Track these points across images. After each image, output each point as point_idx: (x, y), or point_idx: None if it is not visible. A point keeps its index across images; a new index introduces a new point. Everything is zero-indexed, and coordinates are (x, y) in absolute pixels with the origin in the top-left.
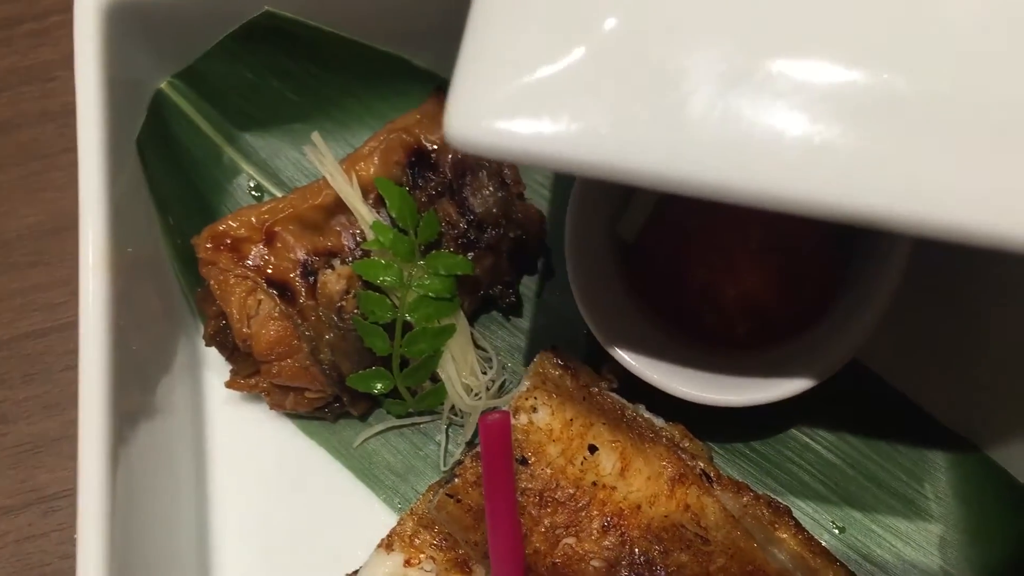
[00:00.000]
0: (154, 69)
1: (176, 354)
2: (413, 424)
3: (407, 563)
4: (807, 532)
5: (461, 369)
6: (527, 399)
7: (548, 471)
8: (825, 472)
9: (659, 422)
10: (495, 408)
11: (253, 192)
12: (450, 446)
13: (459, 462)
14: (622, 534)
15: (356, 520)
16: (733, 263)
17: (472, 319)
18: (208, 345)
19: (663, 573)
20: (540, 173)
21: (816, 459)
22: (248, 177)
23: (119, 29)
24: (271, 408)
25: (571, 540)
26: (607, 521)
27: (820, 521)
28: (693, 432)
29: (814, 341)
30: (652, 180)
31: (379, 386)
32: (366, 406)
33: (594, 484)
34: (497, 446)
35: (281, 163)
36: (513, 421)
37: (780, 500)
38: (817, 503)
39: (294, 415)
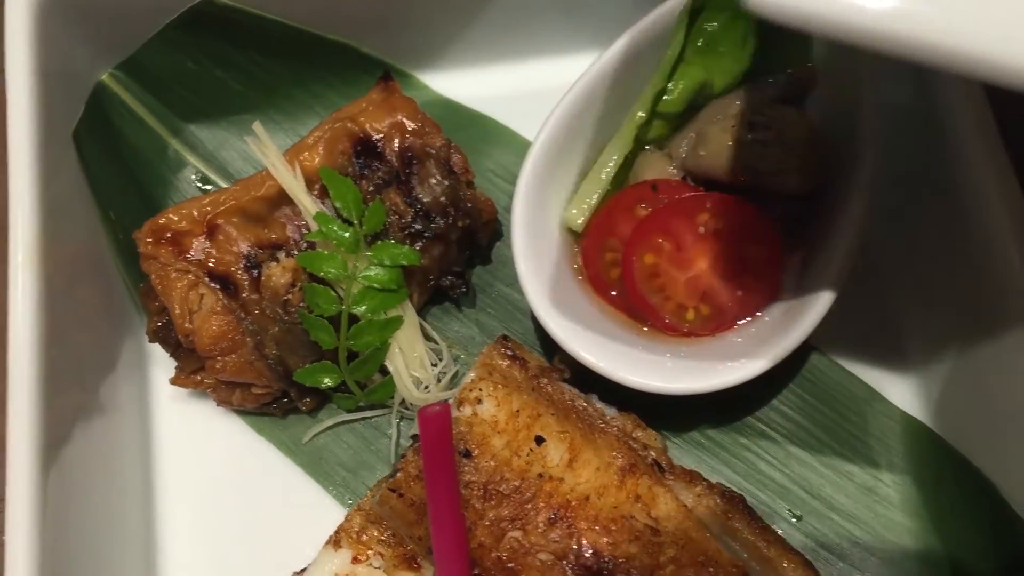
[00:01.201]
0: (93, 61)
1: (120, 352)
2: (363, 418)
3: (355, 560)
4: (762, 521)
5: (410, 361)
6: (472, 390)
7: (492, 464)
8: (782, 460)
9: (611, 412)
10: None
11: (199, 185)
12: (402, 440)
13: (403, 456)
14: (569, 526)
15: (306, 517)
16: (681, 248)
17: (423, 310)
18: (152, 341)
19: (611, 565)
20: (492, 161)
21: (773, 447)
22: (194, 170)
23: (54, 19)
24: (218, 405)
25: (517, 534)
26: (554, 514)
27: (776, 509)
28: (647, 421)
29: (765, 327)
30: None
31: (327, 380)
32: (315, 401)
33: (540, 476)
34: (437, 439)
35: (228, 155)
36: (457, 413)
37: (734, 489)
38: (773, 492)
39: (242, 411)
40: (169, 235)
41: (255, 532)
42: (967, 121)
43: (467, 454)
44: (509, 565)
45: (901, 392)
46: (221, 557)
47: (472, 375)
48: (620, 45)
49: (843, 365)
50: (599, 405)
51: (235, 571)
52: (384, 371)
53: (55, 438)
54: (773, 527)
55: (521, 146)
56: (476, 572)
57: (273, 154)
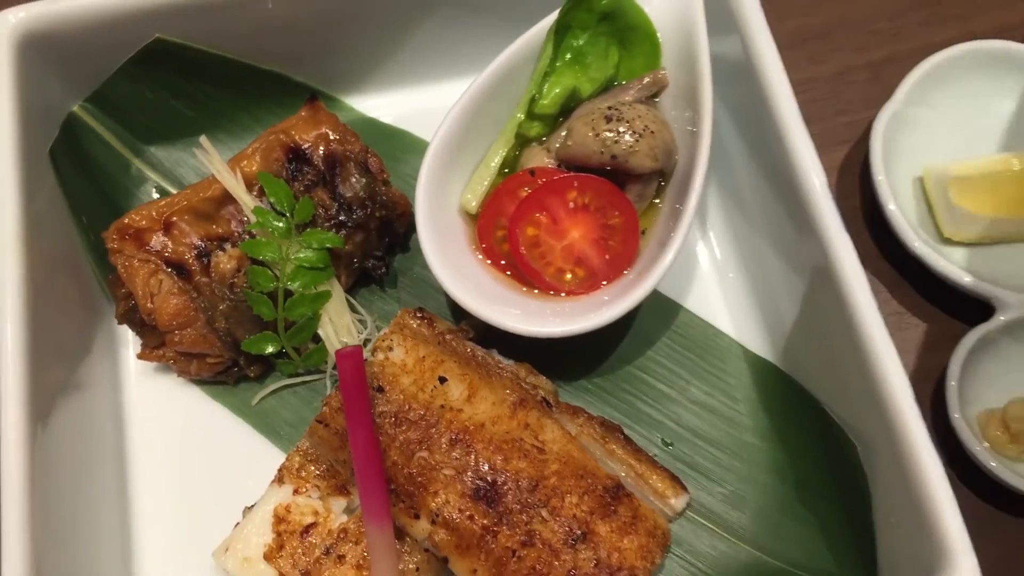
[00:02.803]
0: (66, 94)
1: (94, 334)
2: (303, 382)
3: (295, 492)
4: (636, 445)
5: (339, 329)
6: (384, 340)
7: (401, 397)
8: (656, 399)
9: (508, 362)
10: None
11: (157, 196)
12: None
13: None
14: (468, 447)
15: (258, 467)
16: (557, 221)
17: (352, 290)
18: (120, 323)
19: (503, 477)
20: (408, 167)
21: (649, 389)
22: (154, 184)
23: (32, 59)
24: (179, 375)
25: (424, 453)
26: (455, 437)
27: (651, 439)
28: (540, 371)
29: (627, 283)
30: None
31: (269, 348)
32: (261, 369)
33: (442, 407)
34: (352, 374)
35: (183, 171)
36: (371, 358)
37: (613, 421)
38: (649, 425)
39: (200, 381)
40: (132, 232)
41: (214, 480)
42: (779, 108)
43: (380, 389)
44: (419, 479)
45: (753, 339)
46: (186, 502)
47: (386, 330)
48: (498, 61)
49: (708, 321)
50: (497, 357)
51: (198, 512)
52: (317, 339)
53: (40, 408)
54: (647, 452)
55: None
56: (392, 487)
57: (218, 162)
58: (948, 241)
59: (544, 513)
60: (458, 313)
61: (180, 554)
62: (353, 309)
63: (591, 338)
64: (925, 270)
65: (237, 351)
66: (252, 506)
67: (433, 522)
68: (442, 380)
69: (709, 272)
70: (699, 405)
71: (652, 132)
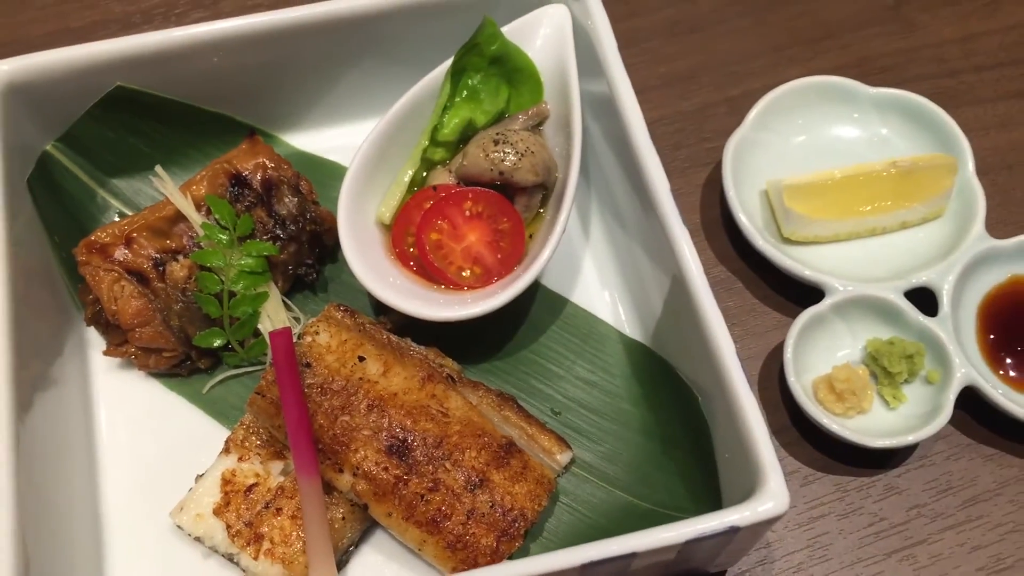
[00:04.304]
0: (41, 134)
1: (67, 336)
2: (246, 372)
3: (240, 459)
4: (528, 413)
5: (276, 325)
6: (312, 327)
7: (326, 371)
8: (547, 377)
9: (419, 347)
10: None
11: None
12: None
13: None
14: (383, 412)
15: (209, 444)
16: (456, 227)
17: (289, 293)
18: (88, 325)
19: (412, 436)
20: (336, 191)
21: (541, 368)
22: (116, 210)
23: (12, 105)
24: (139, 369)
25: (346, 417)
26: (371, 403)
27: (542, 409)
28: (448, 355)
29: (513, 277)
30: None
31: (217, 342)
32: (210, 361)
33: (361, 379)
34: (283, 351)
35: (141, 199)
36: (300, 341)
37: (508, 393)
38: (540, 398)
39: (158, 374)
40: (98, 247)
41: (171, 456)
42: (636, 136)
43: (308, 365)
44: (342, 439)
45: (627, 325)
46: (148, 474)
47: (313, 320)
48: (405, 98)
49: (590, 312)
50: (411, 343)
51: (158, 482)
52: (257, 334)
53: (22, 398)
54: (538, 419)
55: None
56: (320, 447)
57: (171, 187)
58: (788, 241)
59: (447, 465)
60: (378, 310)
61: (143, 517)
62: (289, 308)
63: (492, 327)
64: (772, 266)
65: (189, 346)
66: (203, 474)
67: (354, 475)
68: (361, 359)
69: (591, 271)
70: (582, 380)
71: (533, 152)
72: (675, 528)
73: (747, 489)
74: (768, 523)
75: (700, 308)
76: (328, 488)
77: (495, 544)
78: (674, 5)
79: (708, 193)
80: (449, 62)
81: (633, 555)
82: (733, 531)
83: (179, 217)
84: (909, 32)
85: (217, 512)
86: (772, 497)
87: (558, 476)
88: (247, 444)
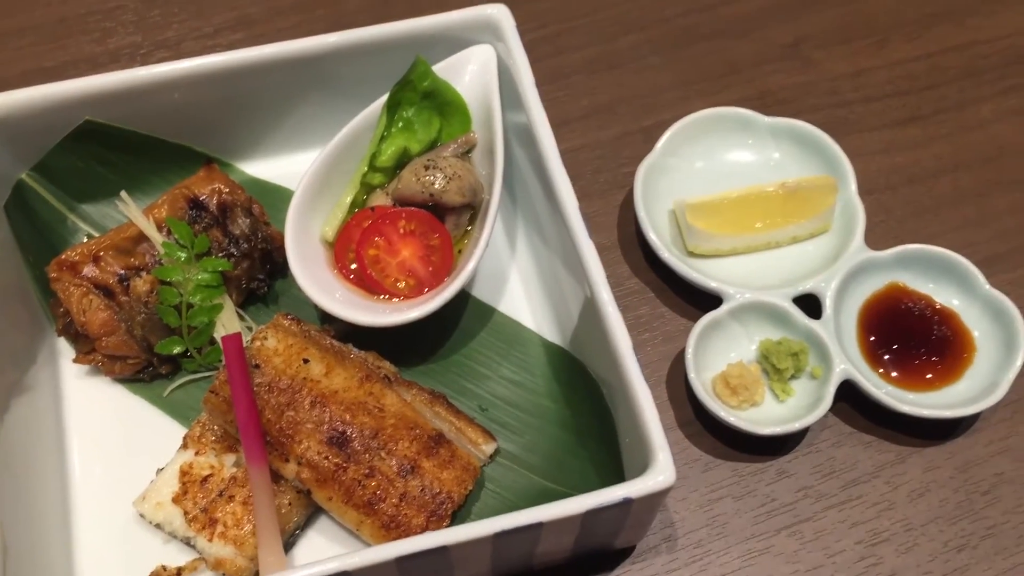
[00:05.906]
0: (15, 163)
1: (39, 347)
2: (203, 377)
3: (196, 453)
4: (457, 408)
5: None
6: (261, 332)
7: (273, 372)
8: (475, 377)
9: (359, 352)
10: None
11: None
12: None
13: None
14: (324, 407)
15: (169, 442)
16: (391, 243)
17: (243, 305)
18: (59, 336)
19: (351, 428)
20: (284, 211)
21: (470, 370)
22: (85, 232)
23: None
24: (106, 375)
25: (291, 413)
26: (314, 400)
27: (470, 405)
28: (385, 359)
29: (442, 288)
30: None
31: (176, 349)
32: (171, 367)
33: (305, 379)
34: (234, 352)
35: (109, 223)
36: (250, 345)
37: (439, 391)
38: (469, 396)
39: (123, 379)
40: (68, 264)
41: (135, 453)
42: (550, 164)
43: (256, 366)
44: (287, 432)
45: (548, 330)
46: (113, 470)
47: (262, 327)
48: (346, 129)
49: (516, 319)
50: (352, 348)
51: (123, 478)
52: (213, 342)
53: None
54: (467, 414)
55: None
56: (268, 439)
57: (135, 210)
58: (692, 255)
59: (383, 454)
60: (323, 320)
61: (109, 508)
62: (243, 318)
63: (427, 334)
64: (678, 277)
65: (151, 353)
66: (163, 467)
67: (299, 464)
68: (305, 361)
69: (516, 283)
70: (507, 380)
71: (460, 176)
72: (576, 501)
73: (642, 467)
74: (660, 495)
75: (603, 312)
76: (276, 477)
77: (425, 523)
78: (595, 45)
79: (624, 212)
80: (385, 97)
81: (540, 525)
82: (627, 502)
83: (142, 237)
84: (806, 68)
85: (176, 500)
86: (661, 471)
87: (484, 465)
88: (203, 440)
